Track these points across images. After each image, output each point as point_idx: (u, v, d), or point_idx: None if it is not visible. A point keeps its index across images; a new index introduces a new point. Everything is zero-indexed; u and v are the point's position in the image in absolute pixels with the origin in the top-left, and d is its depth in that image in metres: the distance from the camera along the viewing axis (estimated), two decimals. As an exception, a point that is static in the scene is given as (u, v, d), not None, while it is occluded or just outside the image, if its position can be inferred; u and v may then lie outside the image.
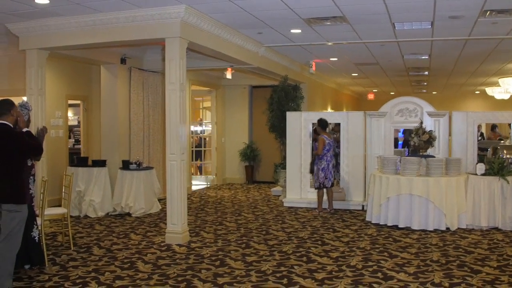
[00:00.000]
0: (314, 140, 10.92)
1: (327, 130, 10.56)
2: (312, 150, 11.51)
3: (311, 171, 10.63)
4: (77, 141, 14.10)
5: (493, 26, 9.15)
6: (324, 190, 10.41)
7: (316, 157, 10.35)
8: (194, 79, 14.01)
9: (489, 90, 20.57)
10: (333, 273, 6.15)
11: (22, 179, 5.36)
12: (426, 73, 17.07)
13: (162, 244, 7.70)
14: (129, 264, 6.57)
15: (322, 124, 10.34)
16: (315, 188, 10.44)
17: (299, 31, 9.72)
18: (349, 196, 11.03)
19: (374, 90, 24.71)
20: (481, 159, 9.77)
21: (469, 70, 16.14)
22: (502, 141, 13.19)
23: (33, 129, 6.68)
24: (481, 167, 8.97)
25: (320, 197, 10.39)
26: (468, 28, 9.36)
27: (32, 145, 5.51)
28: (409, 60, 14.04)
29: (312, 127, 11.67)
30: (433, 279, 5.86)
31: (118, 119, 11.00)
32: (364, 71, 16.79)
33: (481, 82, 19.92)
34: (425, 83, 21.11)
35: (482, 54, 12.78)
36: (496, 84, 18.96)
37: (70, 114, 13.78)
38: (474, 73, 16.89)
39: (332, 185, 10.41)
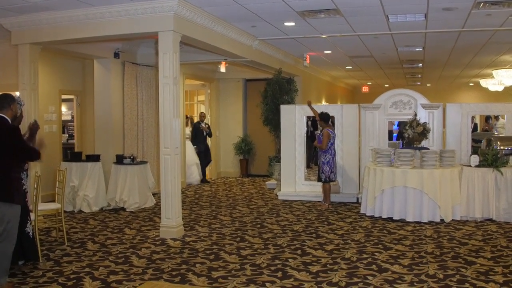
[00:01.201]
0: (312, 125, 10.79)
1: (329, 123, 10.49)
2: (307, 140, 11.53)
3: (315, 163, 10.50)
4: (71, 136, 14.03)
5: (487, 18, 9.14)
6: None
7: (320, 150, 10.29)
8: (188, 73, 13.96)
9: (483, 82, 20.60)
10: (328, 265, 6.15)
11: (10, 176, 5.22)
12: (420, 65, 17.09)
13: (157, 238, 7.68)
14: (123, 258, 6.55)
15: (324, 117, 10.24)
16: (322, 182, 10.33)
17: (293, 24, 9.70)
18: (343, 188, 11.04)
19: (368, 83, 24.74)
20: (475, 150, 9.79)
21: (463, 62, 16.15)
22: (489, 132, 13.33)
23: (25, 124, 6.64)
24: (475, 159, 8.99)
25: (328, 190, 10.32)
26: (462, 20, 9.35)
27: (26, 146, 5.42)
28: (403, 53, 14.04)
29: (307, 120, 11.66)
30: (427, 271, 5.87)
31: (111, 113, 10.95)
32: (358, 64, 16.79)
33: (475, 74, 19.94)
34: (419, 75, 21.13)
35: (476, 46, 12.78)
36: (490, 76, 18.99)
37: (63, 109, 13.71)
38: (468, 65, 16.90)
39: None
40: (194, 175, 14.05)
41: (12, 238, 5.25)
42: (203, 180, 14.45)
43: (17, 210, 5.29)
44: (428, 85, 25.59)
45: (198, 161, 14.22)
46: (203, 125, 14.36)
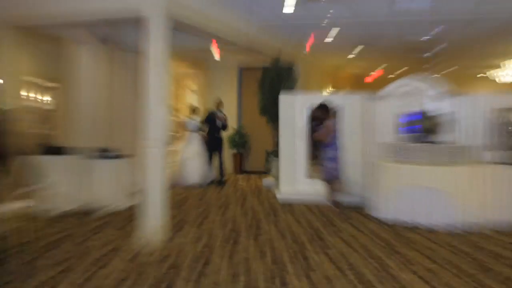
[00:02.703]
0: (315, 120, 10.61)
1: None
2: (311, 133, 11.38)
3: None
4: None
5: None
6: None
7: (321, 145, 10.02)
8: (179, 60, 13.80)
9: (497, 73, 20.66)
10: (331, 272, 5.97)
11: None
12: (428, 54, 17.03)
13: (140, 240, 7.44)
14: (104, 261, 6.35)
15: (324, 108, 9.96)
16: (325, 181, 10.02)
17: (292, 8, 9.57)
18: (348, 186, 10.81)
19: (372, 72, 24.67)
20: (503, 146, 9.51)
21: (474, 51, 16.16)
22: None
23: None
24: (502, 156, 8.75)
25: (332, 189, 9.98)
26: (472, 5, 9.25)
27: None
28: (409, 41, 13.98)
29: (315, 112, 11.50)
30: (442, 279, 5.71)
31: (95, 104, 10.86)
32: (361, 52, 16.70)
33: (488, 64, 20.00)
34: (427, 65, 21.10)
35: (488, 34, 12.69)
36: (502, 67, 19.03)
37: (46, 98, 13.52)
38: (480, 54, 16.88)
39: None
40: (193, 173, 13.24)
41: None
42: (220, 181, 13.29)
43: None
44: (437, 75, 25.58)
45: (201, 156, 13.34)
46: (218, 113, 13.39)
